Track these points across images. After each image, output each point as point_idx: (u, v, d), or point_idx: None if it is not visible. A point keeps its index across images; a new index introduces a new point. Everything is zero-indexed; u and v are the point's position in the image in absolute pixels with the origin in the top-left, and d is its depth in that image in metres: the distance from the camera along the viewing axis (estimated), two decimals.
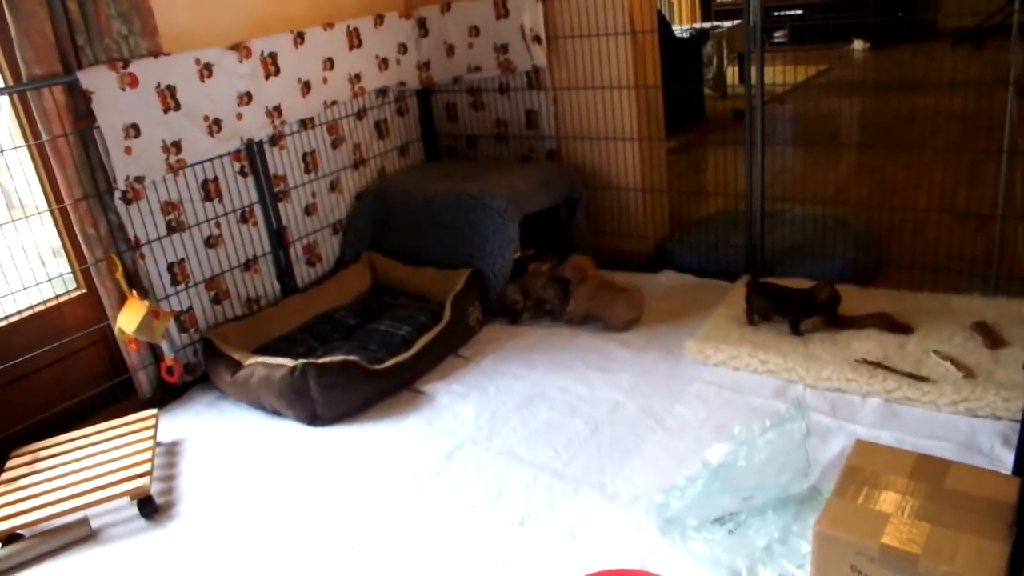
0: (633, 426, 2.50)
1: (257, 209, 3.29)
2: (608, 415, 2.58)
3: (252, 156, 3.22)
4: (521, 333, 3.20)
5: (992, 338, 2.62)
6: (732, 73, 6.71)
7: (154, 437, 2.60)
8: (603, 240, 3.89)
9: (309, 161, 3.49)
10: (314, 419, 2.71)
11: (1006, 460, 2.10)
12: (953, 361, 2.52)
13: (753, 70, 3.18)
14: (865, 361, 2.59)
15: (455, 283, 3.21)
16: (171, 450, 2.69)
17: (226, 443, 2.69)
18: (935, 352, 2.59)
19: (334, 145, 3.62)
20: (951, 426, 2.30)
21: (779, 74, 3.49)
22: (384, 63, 3.73)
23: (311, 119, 3.47)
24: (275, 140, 3.33)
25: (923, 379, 2.45)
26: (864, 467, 1.85)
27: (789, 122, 5.92)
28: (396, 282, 3.52)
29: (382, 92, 3.85)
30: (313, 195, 3.53)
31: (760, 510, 2.02)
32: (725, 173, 3.74)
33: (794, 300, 2.77)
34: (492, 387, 2.82)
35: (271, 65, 3.18)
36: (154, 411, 2.73)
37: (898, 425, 2.35)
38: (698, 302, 3.24)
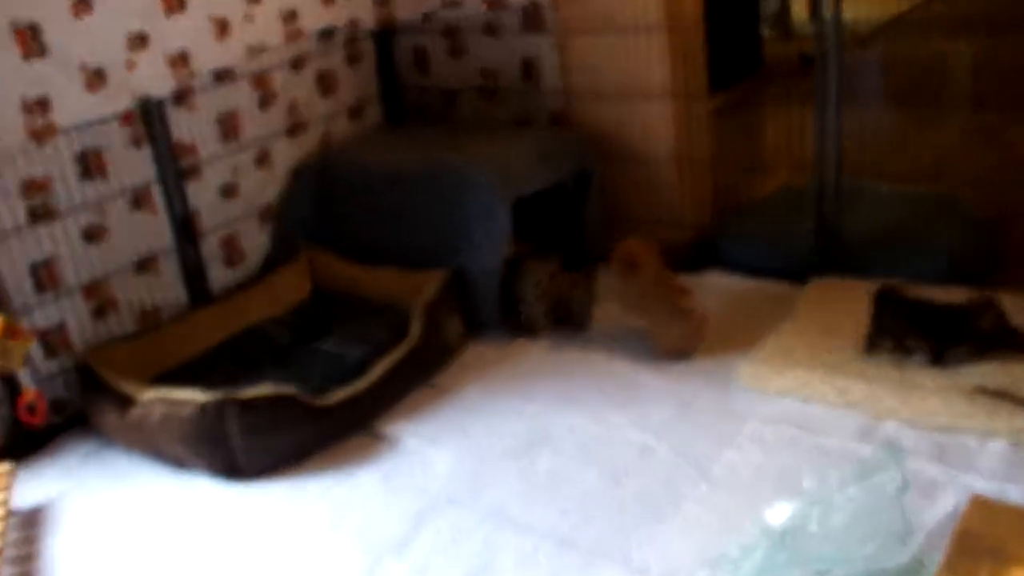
0: (667, 478, 2.47)
1: (156, 190, 3.27)
2: (634, 463, 2.55)
3: (149, 119, 3.20)
4: (516, 354, 3.18)
5: None
6: (800, 6, 6.73)
7: (6, 502, 2.55)
8: (625, 229, 3.86)
9: (227, 126, 3.48)
10: (233, 473, 2.68)
11: None
12: None
13: (827, 2, 3.16)
14: (984, 390, 2.55)
15: (426, 288, 3.20)
16: (31, 520, 2.65)
17: (110, 509, 2.65)
18: None
19: (262, 105, 3.60)
20: None
21: (863, 7, 3.48)
22: None
23: (230, 70, 3.45)
24: (180, 98, 3.31)
25: None
26: (984, 533, 1.82)
27: (875, 72, 5.92)
28: (346, 287, 3.50)
29: (327, 34, 3.84)
30: (233, 171, 3.52)
31: None
32: (789, 139, 3.72)
33: (944, 320, 2.72)
34: (477, 427, 2.80)
35: None
36: (8, 466, 2.70)
37: None
38: (754, 311, 3.23)
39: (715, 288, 3.46)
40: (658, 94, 3.63)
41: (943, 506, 2.21)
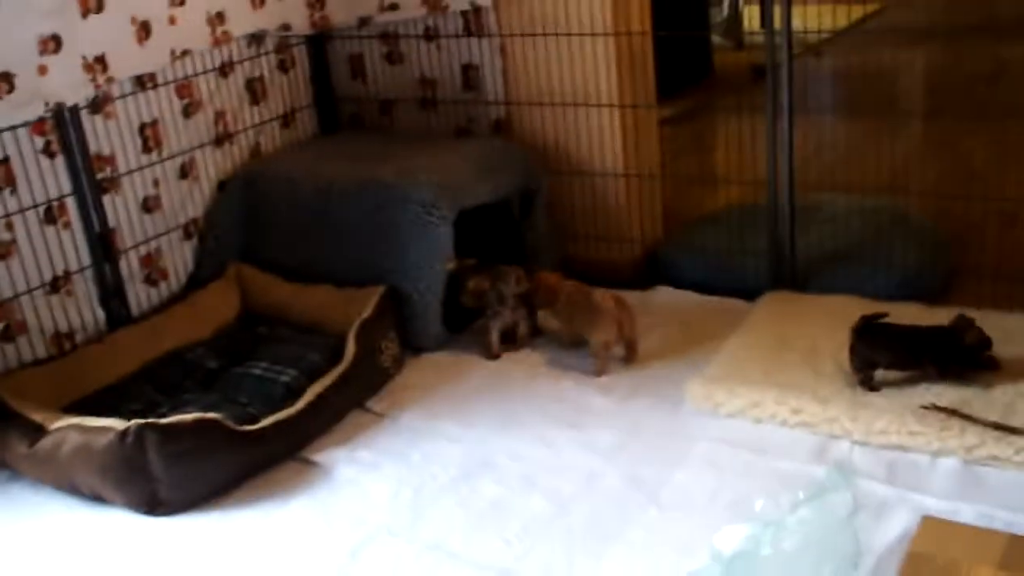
0: (615, 503, 2.49)
1: (70, 204, 3.23)
2: (580, 489, 2.56)
3: (63, 128, 3.17)
4: (457, 376, 3.19)
5: None
6: (750, 15, 6.86)
7: None
8: (573, 246, 3.91)
9: (149, 136, 3.45)
10: (155, 506, 2.65)
11: None
12: None
13: (778, 11, 3.24)
14: (935, 407, 2.62)
15: (361, 307, 3.20)
16: None
17: (18, 548, 2.59)
18: None
19: (186, 113, 3.58)
20: None
21: (814, 17, 3.57)
22: None
23: (151, 76, 3.43)
24: (98, 105, 3.28)
25: (1016, 431, 2.49)
26: (935, 554, 1.87)
27: (828, 82, 6.05)
28: (276, 307, 3.49)
29: (256, 39, 3.83)
30: (155, 184, 3.49)
31: None
32: (741, 152, 3.78)
33: (929, 344, 2.77)
34: (415, 454, 2.80)
35: None
36: None
37: (982, 495, 2.37)
38: (705, 330, 3.27)
39: (665, 305, 3.50)
40: (606, 103, 3.67)
41: (894, 527, 2.26)
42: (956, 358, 2.75)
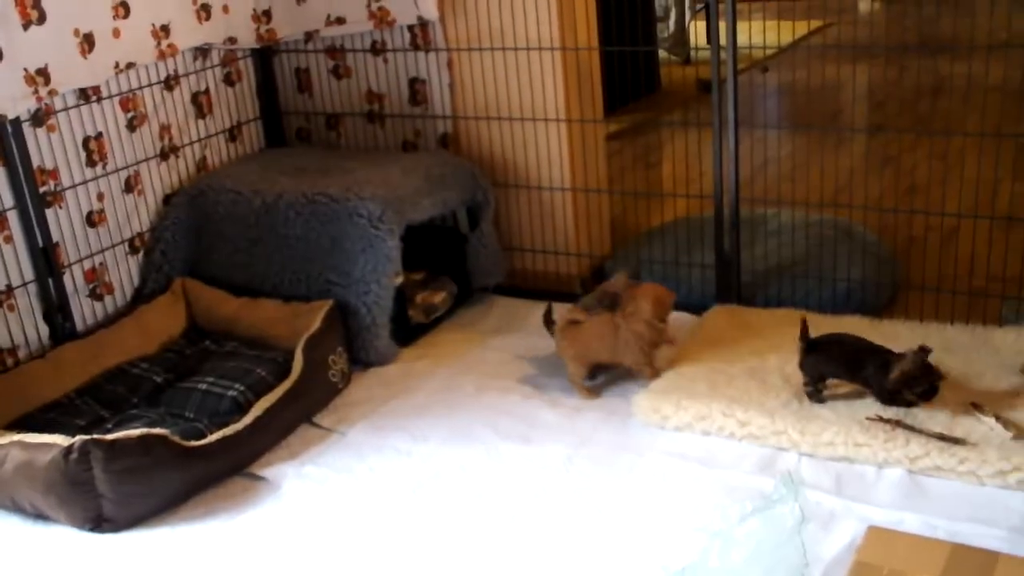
0: (564, 516, 2.51)
1: (12, 217, 3.19)
2: (529, 502, 2.58)
3: (4, 140, 3.13)
4: (405, 391, 3.20)
5: None
6: (696, 31, 6.95)
7: None
8: (519, 260, 3.93)
9: (93, 149, 3.42)
10: (101, 523, 2.63)
11: None
12: (998, 417, 2.61)
13: (723, 27, 3.29)
14: (880, 419, 2.67)
15: (309, 322, 3.20)
16: None
17: None
18: (973, 405, 2.69)
19: (131, 126, 3.56)
20: (999, 504, 2.38)
21: (759, 32, 3.62)
22: (205, 10, 3.71)
23: (95, 88, 3.41)
24: (40, 118, 3.25)
25: (959, 442, 2.54)
26: (881, 564, 1.92)
27: (774, 97, 6.15)
28: (223, 321, 3.48)
29: (202, 52, 3.82)
30: (99, 198, 3.46)
31: None
32: (688, 167, 3.84)
33: (867, 364, 2.76)
34: (363, 468, 2.80)
35: (32, 7, 3.11)
36: None
37: (926, 505, 2.41)
38: None
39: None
40: (552, 117, 3.70)
41: (841, 537, 2.30)
42: (887, 392, 2.73)
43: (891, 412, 2.69)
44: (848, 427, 2.63)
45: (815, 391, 2.81)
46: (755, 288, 3.54)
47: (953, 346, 2.97)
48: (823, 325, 3.20)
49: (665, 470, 2.67)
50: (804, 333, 2.85)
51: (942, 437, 2.56)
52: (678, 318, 3.47)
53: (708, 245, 3.58)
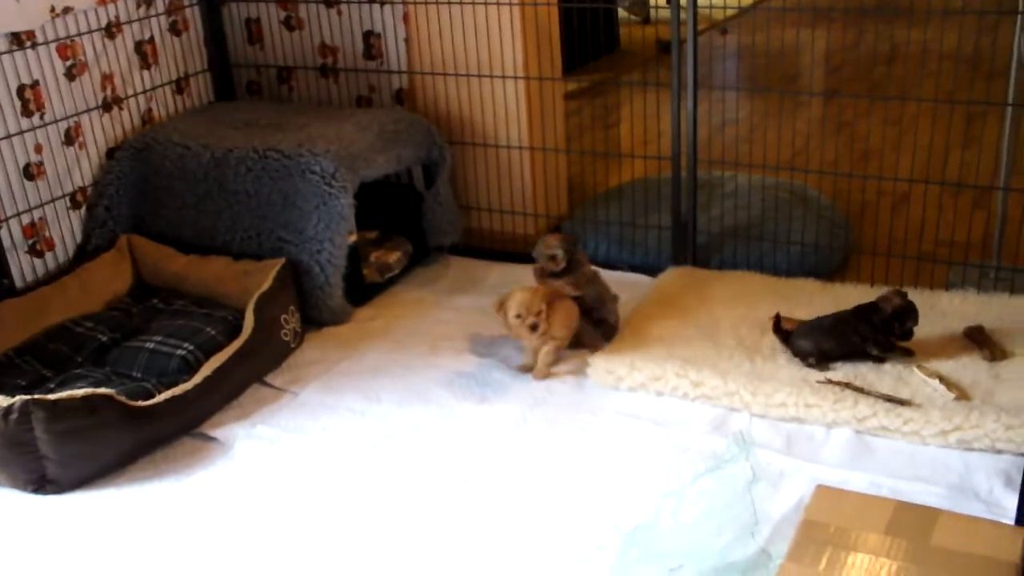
0: (519, 476, 2.55)
1: None
2: (484, 462, 2.62)
3: None
4: (359, 351, 3.22)
5: (991, 347, 2.84)
6: None
7: None
8: (475, 219, 3.95)
9: (29, 98, 3.37)
10: (43, 485, 2.62)
11: (1008, 505, 2.28)
12: (942, 379, 2.71)
13: None
14: (829, 381, 2.75)
15: (260, 280, 3.19)
16: None
17: None
18: (918, 367, 2.78)
19: (70, 75, 3.51)
20: (940, 463, 2.48)
21: None
22: None
23: (29, 34, 3.35)
24: None
25: (904, 403, 2.63)
26: (828, 521, 1.97)
27: (732, 59, 6.18)
28: (171, 279, 3.47)
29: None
30: (37, 150, 3.41)
31: None
32: (646, 127, 3.87)
33: (853, 325, 2.83)
34: (317, 429, 2.81)
35: None
36: None
37: (872, 464, 2.50)
38: None
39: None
40: (510, 75, 3.71)
41: (791, 496, 2.37)
42: (881, 330, 2.83)
43: (841, 375, 2.77)
44: (799, 389, 2.70)
45: (818, 361, 2.85)
46: (710, 250, 3.60)
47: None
48: (776, 287, 3.29)
49: (619, 430, 2.72)
50: (777, 326, 2.93)
51: (889, 398, 2.64)
52: (634, 279, 3.52)
53: (665, 207, 3.63)
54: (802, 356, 2.86)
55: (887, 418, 2.58)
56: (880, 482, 2.41)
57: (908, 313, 2.82)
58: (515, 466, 2.60)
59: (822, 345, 2.85)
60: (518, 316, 2.91)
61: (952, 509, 2.12)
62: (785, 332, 2.94)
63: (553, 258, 3.06)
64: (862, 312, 2.86)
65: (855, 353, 2.85)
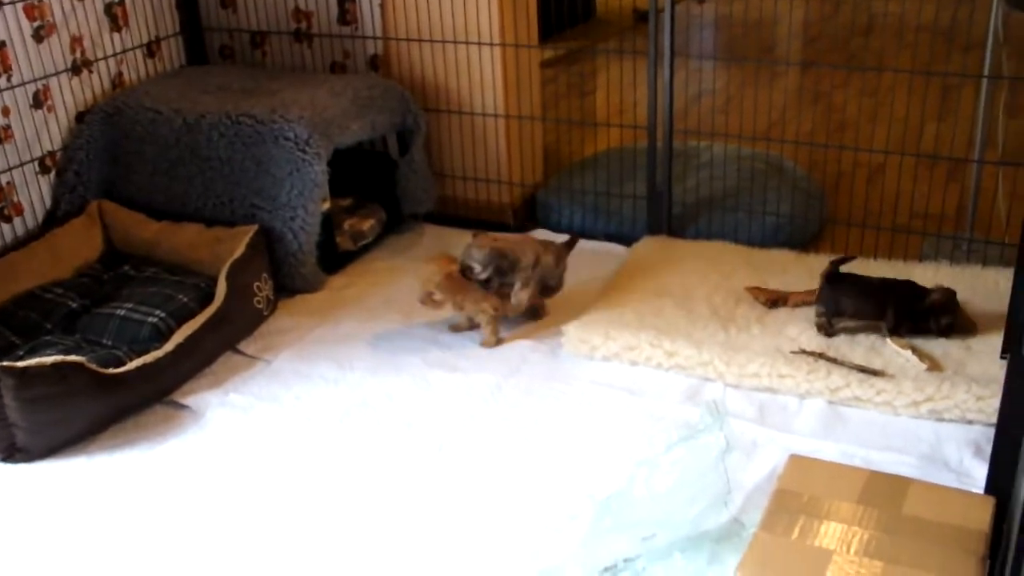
0: (492, 445, 2.56)
1: None
2: (457, 431, 2.62)
3: None
4: (333, 319, 3.21)
5: (963, 319, 2.86)
6: None
7: None
8: (449, 187, 3.93)
9: None
10: (13, 453, 2.61)
11: (978, 475, 2.30)
12: (914, 350, 2.72)
13: None
14: (803, 351, 2.76)
15: (232, 247, 3.17)
16: None
17: None
18: (892, 339, 2.79)
19: (38, 37, 3.45)
20: (911, 434, 2.50)
21: None
22: None
23: None
24: None
25: (876, 373, 2.64)
26: (800, 490, 1.98)
27: (709, 29, 6.17)
28: (142, 246, 3.43)
29: None
30: (4, 112, 3.36)
31: (665, 553, 2.11)
32: (622, 96, 3.86)
33: (893, 297, 2.81)
34: (289, 397, 2.81)
35: None
36: None
37: (845, 434, 2.52)
38: (581, 274, 3.33)
39: None
40: (486, 42, 3.68)
41: (764, 465, 2.39)
42: (915, 316, 2.80)
43: (814, 345, 2.78)
44: (773, 359, 2.71)
45: (828, 323, 2.84)
46: (685, 220, 3.60)
47: None
48: (751, 258, 3.29)
49: (593, 399, 2.72)
50: (835, 267, 2.87)
51: (862, 369, 2.65)
52: (609, 249, 3.52)
53: (640, 177, 3.62)
54: (823, 308, 2.83)
55: (860, 388, 2.60)
56: (852, 452, 2.43)
57: (946, 309, 2.79)
58: (489, 435, 2.60)
59: (848, 303, 2.80)
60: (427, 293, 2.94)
61: (923, 478, 2.14)
62: (834, 273, 2.88)
63: (470, 268, 2.98)
64: (909, 289, 2.82)
65: (873, 317, 2.82)
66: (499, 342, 3.02)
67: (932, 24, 3.81)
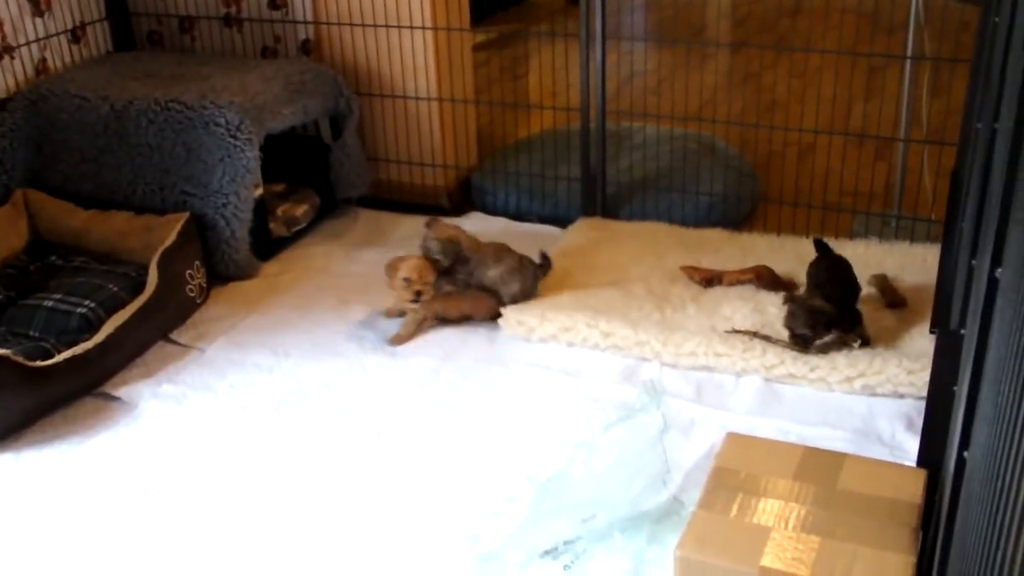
0: (430, 429, 2.54)
1: None
2: (395, 416, 2.59)
3: None
4: (266, 306, 3.16)
5: (893, 295, 2.88)
6: None
7: None
8: (383, 171, 3.89)
9: None
10: None
11: (909, 448, 2.32)
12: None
13: None
14: (737, 331, 2.76)
15: (164, 235, 3.11)
16: None
17: None
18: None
19: None
20: (845, 409, 2.51)
21: None
22: None
23: None
24: None
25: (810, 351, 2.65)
26: (738, 468, 1.98)
27: (640, 11, 6.18)
28: (70, 234, 3.35)
29: None
30: None
31: (605, 534, 2.10)
32: (554, 79, 3.84)
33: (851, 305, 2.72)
34: (224, 386, 2.76)
35: None
36: None
37: (780, 410, 2.52)
38: None
39: (478, 232, 3.50)
40: (418, 25, 3.64)
41: (701, 444, 2.39)
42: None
43: (749, 324, 2.78)
44: (709, 338, 2.71)
45: (805, 340, 2.69)
46: (620, 201, 3.59)
47: (807, 258, 3.06)
48: (685, 238, 3.30)
49: (530, 381, 2.71)
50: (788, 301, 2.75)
51: (795, 346, 2.66)
52: (544, 231, 3.51)
53: (574, 158, 3.61)
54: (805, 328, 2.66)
55: (794, 366, 2.61)
56: (788, 428, 2.44)
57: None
58: (426, 419, 2.58)
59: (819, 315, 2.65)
60: (407, 280, 2.86)
61: (857, 453, 2.15)
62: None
63: (429, 250, 2.96)
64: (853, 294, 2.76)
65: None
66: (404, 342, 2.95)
67: (857, 6, 3.83)
